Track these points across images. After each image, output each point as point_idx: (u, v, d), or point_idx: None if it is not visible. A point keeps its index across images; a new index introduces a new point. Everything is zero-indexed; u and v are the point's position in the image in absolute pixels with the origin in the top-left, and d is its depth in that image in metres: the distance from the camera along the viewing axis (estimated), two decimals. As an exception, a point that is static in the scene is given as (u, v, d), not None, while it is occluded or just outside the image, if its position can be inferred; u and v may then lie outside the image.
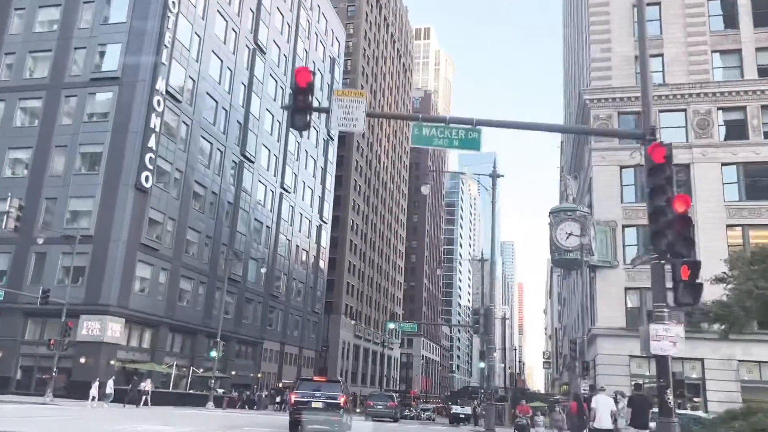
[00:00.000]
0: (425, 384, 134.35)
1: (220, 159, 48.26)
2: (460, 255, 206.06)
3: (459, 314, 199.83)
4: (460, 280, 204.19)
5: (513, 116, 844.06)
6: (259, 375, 54.89)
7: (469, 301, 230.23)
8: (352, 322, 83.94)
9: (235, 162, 50.61)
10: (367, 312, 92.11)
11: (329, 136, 72.61)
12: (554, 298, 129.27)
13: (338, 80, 75.65)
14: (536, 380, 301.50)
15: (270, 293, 57.01)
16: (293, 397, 19.14)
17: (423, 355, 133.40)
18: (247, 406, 45.45)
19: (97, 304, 35.73)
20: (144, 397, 34.08)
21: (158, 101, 39.11)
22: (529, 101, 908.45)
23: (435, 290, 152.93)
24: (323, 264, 72.04)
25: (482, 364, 36.00)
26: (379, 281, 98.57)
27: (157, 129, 39.15)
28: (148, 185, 38.28)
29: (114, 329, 35.97)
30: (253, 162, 53.15)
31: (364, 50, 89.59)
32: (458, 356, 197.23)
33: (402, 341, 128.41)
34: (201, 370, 44.60)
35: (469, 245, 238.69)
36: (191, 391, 41.76)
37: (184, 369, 44.08)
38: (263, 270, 38.56)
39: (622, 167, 31.23)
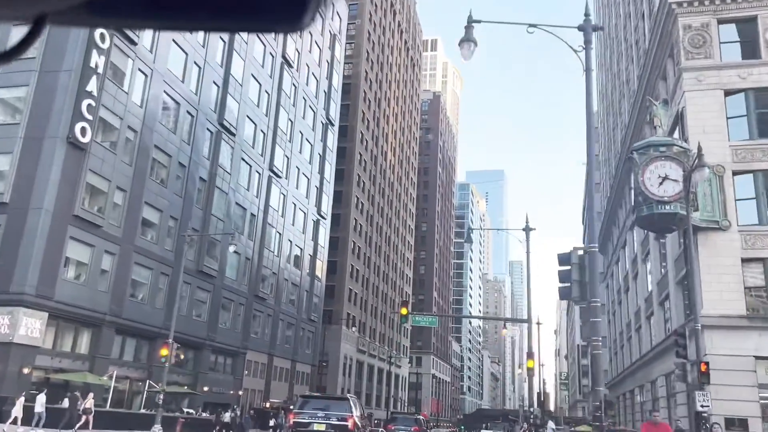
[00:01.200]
0: (436, 406, 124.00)
1: (190, 125, 39.44)
2: (471, 270, 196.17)
3: (470, 332, 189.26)
4: (470, 296, 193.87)
5: (524, 119, 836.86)
6: (240, 392, 45.47)
7: (479, 324, 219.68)
8: (356, 334, 74.45)
9: (210, 132, 41.77)
10: (372, 324, 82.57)
11: (328, 119, 63.86)
12: (574, 313, 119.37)
13: (339, 59, 67.16)
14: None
15: (255, 294, 47.84)
16: (292, 419, 16.88)
17: (433, 374, 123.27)
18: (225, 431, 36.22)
19: (7, 292, 26.68)
20: (84, 418, 25.25)
21: (102, 35, 30.42)
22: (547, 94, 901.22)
23: (445, 305, 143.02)
24: (321, 265, 62.83)
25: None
26: (385, 290, 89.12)
27: (100, 70, 30.43)
28: (85, 140, 29.42)
29: (31, 326, 26.84)
30: (234, 135, 44.33)
31: (369, 34, 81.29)
32: (469, 377, 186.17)
33: (411, 359, 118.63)
34: (160, 384, 35.33)
35: (480, 260, 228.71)
36: (143, 411, 32.37)
37: (139, 383, 34.83)
38: (232, 249, 29.34)
39: (727, 92, 22.18)
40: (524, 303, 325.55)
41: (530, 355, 24.35)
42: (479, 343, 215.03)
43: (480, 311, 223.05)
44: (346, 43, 74.09)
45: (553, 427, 19.44)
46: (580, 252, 10.91)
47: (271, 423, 41.04)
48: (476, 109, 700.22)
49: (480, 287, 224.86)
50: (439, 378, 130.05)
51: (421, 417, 38.69)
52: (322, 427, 16.01)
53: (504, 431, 32.18)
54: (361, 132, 76.95)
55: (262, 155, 49.13)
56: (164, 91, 36.48)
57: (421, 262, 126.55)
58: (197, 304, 40.47)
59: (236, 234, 36.07)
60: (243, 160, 46.07)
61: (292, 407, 54.00)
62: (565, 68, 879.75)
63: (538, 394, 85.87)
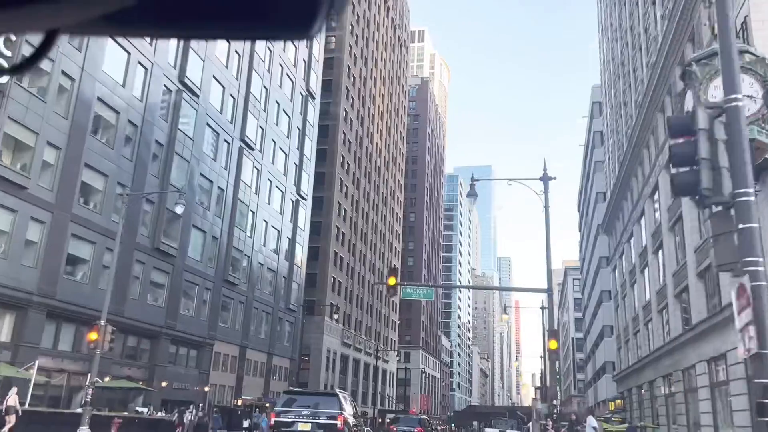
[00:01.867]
0: (425, 403, 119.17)
1: (144, 79, 34.07)
2: (460, 264, 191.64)
3: (459, 327, 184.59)
4: (460, 290, 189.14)
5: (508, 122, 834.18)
6: (207, 388, 40.19)
7: (468, 320, 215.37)
8: (340, 326, 69.30)
9: (168, 88, 36.41)
10: (358, 316, 77.47)
11: (308, 91, 58.60)
12: (569, 306, 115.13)
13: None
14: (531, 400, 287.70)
15: (225, 279, 42.56)
16: (273, 418, 15.15)
17: (422, 370, 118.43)
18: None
19: None
20: (8, 418, 20.22)
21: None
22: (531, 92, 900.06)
23: (435, 299, 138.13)
24: (302, 251, 57.61)
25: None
26: (371, 280, 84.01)
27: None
28: (0, 80, 24.08)
29: (-74, 306, 21.50)
30: (197, 95, 39.00)
31: (353, 6, 76.03)
32: (458, 373, 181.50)
33: (399, 354, 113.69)
34: (108, 378, 30.06)
35: (469, 254, 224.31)
36: (78, 410, 27.00)
37: (80, 377, 29.51)
38: (180, 209, 23.87)
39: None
40: (512, 299, 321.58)
41: (553, 334, 19.39)
42: (469, 339, 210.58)
43: (469, 305, 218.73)
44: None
45: (595, 425, 14.75)
46: (711, 111, 6.01)
47: (246, 423, 35.93)
48: (463, 104, 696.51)
49: (469, 281, 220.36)
50: (429, 374, 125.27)
51: (425, 417, 35.99)
52: (308, 428, 14.35)
53: (514, 429, 27.31)
54: (345, 110, 71.74)
55: (231, 123, 43.82)
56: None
57: (410, 254, 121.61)
58: (153, 287, 35.17)
59: (184, 192, 30.70)
60: (209, 126, 40.73)
61: (267, 405, 49.09)
62: (554, 61, 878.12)
63: (539, 387, 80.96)
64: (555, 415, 18.83)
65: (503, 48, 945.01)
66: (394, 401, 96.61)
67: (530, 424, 27.87)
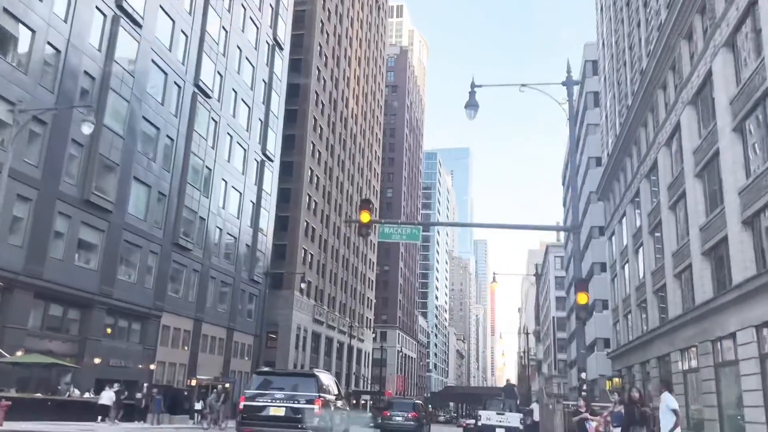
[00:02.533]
0: (402, 384, 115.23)
1: (68, -4, 28.34)
2: (438, 243, 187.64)
3: (436, 308, 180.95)
4: (437, 270, 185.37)
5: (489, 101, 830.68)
6: (153, 366, 34.95)
7: (446, 300, 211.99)
8: (311, 302, 64.30)
9: (102, 12, 30.64)
10: (332, 292, 72.51)
11: (275, 40, 52.91)
12: (550, 284, 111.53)
13: (290, -28, 56.08)
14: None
15: (175, 242, 37.16)
16: (242, 402, 13.54)
17: (399, 350, 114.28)
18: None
19: None
20: None
21: None
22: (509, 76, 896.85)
23: (412, 277, 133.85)
24: (268, 217, 52.31)
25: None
26: (346, 255, 79.04)
27: None
28: None
29: None
30: (140, 26, 33.28)
31: (327, -43, 70.12)
32: (435, 354, 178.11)
33: (375, 334, 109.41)
34: (20, 352, 24.74)
35: (447, 234, 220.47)
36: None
37: (-18, 351, 24.13)
38: (86, 130, 18.30)
39: None
40: (487, 281, 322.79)
41: (581, 286, 14.60)
42: (446, 320, 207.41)
43: (447, 287, 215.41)
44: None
45: (675, 406, 10.27)
46: None
47: (198, 405, 30.87)
48: (441, 86, 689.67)
49: (447, 262, 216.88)
50: (405, 354, 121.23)
51: (419, 402, 33.95)
52: (281, 412, 13.04)
53: (513, 412, 22.68)
54: (318, 68, 66.12)
55: (183, 64, 38.13)
56: (19, -67, 25.28)
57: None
58: (84, 247, 29.70)
59: (91, 107, 24.90)
60: (155, 63, 35.04)
61: (227, 385, 44.05)
62: (537, 43, 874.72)
63: (532, 361, 76.50)
64: (584, 393, 14.07)
65: (484, 32, 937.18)
66: (370, 382, 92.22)
67: (533, 406, 23.37)
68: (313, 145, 64.88)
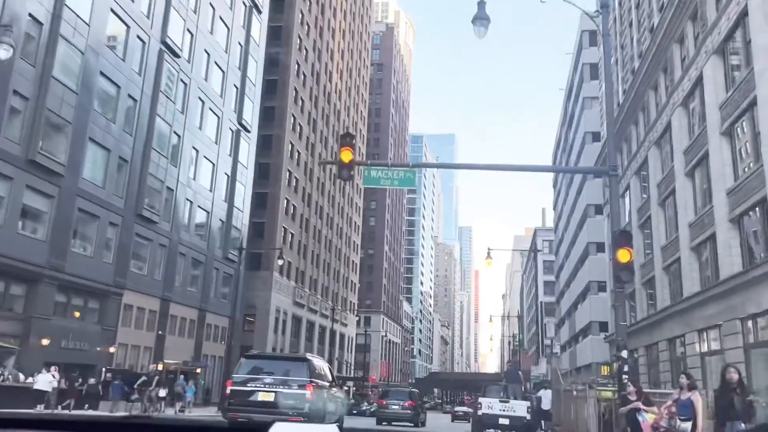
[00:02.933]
0: (386, 370, 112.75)
1: (9, -73, 24.69)
2: (423, 228, 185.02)
3: (421, 293, 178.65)
4: (422, 255, 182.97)
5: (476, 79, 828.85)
6: (113, 348, 31.70)
7: (431, 287, 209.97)
8: (291, 283, 61.15)
9: (49, -51, 27.03)
10: (313, 274, 69.38)
11: (253, 1, 49.24)
12: (538, 269, 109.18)
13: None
14: (489, 367, 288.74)
15: (138, 213, 33.79)
16: (229, 387, 13.18)
17: (383, 336, 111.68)
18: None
19: None
20: None
21: None
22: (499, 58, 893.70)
23: (397, 262, 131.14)
24: (245, 192, 48.96)
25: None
26: (329, 237, 75.88)
27: None
28: None
29: None
30: (96, -31, 29.65)
31: None
32: (420, 340, 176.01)
33: (359, 319, 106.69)
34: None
35: (432, 219, 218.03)
36: None
37: None
38: (3, 55, 15.05)
39: None
40: (472, 268, 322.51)
41: (622, 241, 11.66)
42: (430, 305, 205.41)
43: (432, 272, 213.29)
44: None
45: None
46: None
47: (162, 393, 27.71)
48: (426, 73, 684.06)
49: (432, 247, 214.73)
50: (390, 340, 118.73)
51: (415, 390, 33.84)
52: (271, 398, 12.39)
53: (518, 399, 19.73)
54: (300, 37, 62.48)
55: (148, 17, 34.52)
56: None
57: (371, 213, 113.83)
58: (29, 214, 26.30)
59: (9, 29, 21.56)
60: (114, 13, 31.43)
61: (198, 370, 40.91)
62: (520, 27, 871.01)
63: (514, 350, 74.01)
64: (626, 376, 11.14)
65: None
66: (353, 368, 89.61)
67: (541, 393, 20.43)
68: (294, 119, 61.43)
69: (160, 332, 36.38)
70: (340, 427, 1.61)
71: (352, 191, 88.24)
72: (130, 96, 32.88)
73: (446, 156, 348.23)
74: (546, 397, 20.09)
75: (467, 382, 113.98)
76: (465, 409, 69.49)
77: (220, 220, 44.28)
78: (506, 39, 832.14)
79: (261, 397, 12.76)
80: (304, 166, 64.99)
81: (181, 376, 32.25)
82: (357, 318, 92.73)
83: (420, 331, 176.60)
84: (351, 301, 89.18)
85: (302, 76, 63.73)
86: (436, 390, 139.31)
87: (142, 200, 33.83)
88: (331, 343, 76.77)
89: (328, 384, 14.70)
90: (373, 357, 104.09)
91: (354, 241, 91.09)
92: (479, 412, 17.74)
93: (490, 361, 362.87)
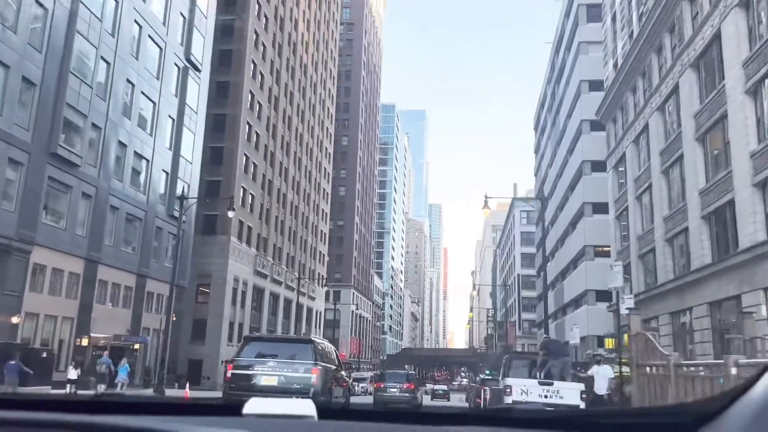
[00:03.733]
0: (356, 347, 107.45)
1: None
2: (394, 201, 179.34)
3: (392, 268, 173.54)
4: (394, 229, 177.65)
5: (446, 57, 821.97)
6: (17, 318, 25.19)
7: (402, 262, 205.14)
8: (252, 251, 54.88)
9: None
10: (278, 242, 63.13)
11: None
12: (515, 243, 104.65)
13: None
14: (457, 344, 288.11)
15: (53, 152, 27.11)
16: (230, 370, 12.58)
17: (354, 311, 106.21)
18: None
19: None
20: None
21: None
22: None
23: (368, 235, 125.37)
24: (194, 141, 42.33)
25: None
26: (295, 202, 69.53)
27: None
28: None
29: None
30: None
31: None
32: (390, 316, 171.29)
33: (328, 294, 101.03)
34: None
35: (404, 192, 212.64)
36: None
37: None
38: None
39: None
40: (441, 246, 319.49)
41: None
42: (401, 281, 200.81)
43: (402, 247, 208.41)
44: None
45: None
46: None
47: (74, 374, 21.53)
48: (395, 48, 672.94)
49: (403, 222, 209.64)
50: (361, 315, 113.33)
51: (412, 372, 33.18)
52: (274, 382, 11.94)
53: (567, 377, 14.24)
54: (260, -25, 55.36)
55: None
56: None
57: (341, 182, 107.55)
58: None
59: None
60: None
61: (136, 346, 34.54)
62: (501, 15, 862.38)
63: (505, 322, 68.72)
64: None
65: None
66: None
67: (593, 370, 14.83)
68: (255, 65, 54.58)
69: (85, 300, 29.91)
70: (317, 402, 1.53)
71: (320, 155, 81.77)
72: (38, 3, 25.98)
73: (416, 132, 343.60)
74: (602, 376, 14.46)
75: (441, 358, 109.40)
76: (444, 387, 65.13)
77: (164, 171, 37.66)
78: (474, 14, 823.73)
79: (264, 381, 12.22)
80: (266, 121, 58.32)
81: (105, 353, 26.05)
82: (326, 291, 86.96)
83: (391, 307, 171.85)
84: (319, 274, 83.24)
85: (264, 19, 56.75)
86: (406, 367, 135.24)
87: (57, 136, 27.12)
88: (297, 318, 70.87)
89: (333, 367, 14.16)
90: (343, 333, 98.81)
91: (323, 210, 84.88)
92: (507, 399, 12.12)
93: (457, 338, 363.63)
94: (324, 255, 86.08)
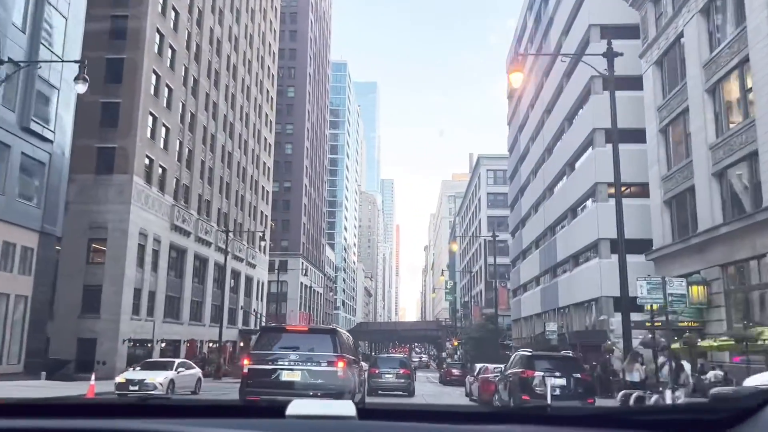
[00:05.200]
0: (306, 322, 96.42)
1: None
2: (347, 168, 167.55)
3: (344, 239, 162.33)
4: (346, 198, 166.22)
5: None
6: None
7: (355, 234, 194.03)
8: (169, 200, 42.85)
9: None
10: (204, 193, 51.11)
11: None
12: (480, 205, 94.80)
13: None
14: (409, 320, 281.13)
15: None
16: (248, 364, 11.79)
17: (303, 283, 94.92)
18: None
19: None
20: None
21: None
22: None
23: (319, 200, 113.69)
24: (66, 28, 29.87)
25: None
26: (229, 148, 57.39)
27: None
28: None
29: None
30: None
31: None
32: (343, 290, 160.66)
33: (274, 263, 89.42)
34: None
35: (356, 161, 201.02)
36: None
37: None
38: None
39: None
40: (394, 222, 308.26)
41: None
42: (354, 254, 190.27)
43: (356, 218, 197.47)
44: None
45: None
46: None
47: None
48: (344, 22, 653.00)
49: (356, 192, 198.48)
50: (312, 288, 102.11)
51: (407, 357, 33.02)
52: (297, 377, 11.19)
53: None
54: None
55: None
56: None
57: (287, 138, 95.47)
58: None
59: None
60: None
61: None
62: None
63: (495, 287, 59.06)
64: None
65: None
66: (264, 319, 72.41)
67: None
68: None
69: None
70: (356, 404, 1.59)
71: (261, 98, 69.47)
72: None
73: (368, 105, 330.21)
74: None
75: (401, 332, 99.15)
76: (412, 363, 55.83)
77: (11, 61, 25.22)
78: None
79: (285, 376, 11.39)
80: (185, 36, 45.90)
81: None
82: (271, 261, 75.26)
83: (344, 281, 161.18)
84: (263, 238, 71.53)
85: None
86: (361, 343, 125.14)
87: None
88: (234, 288, 59.21)
89: (353, 358, 13.50)
90: (291, 306, 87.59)
91: (265, 163, 72.88)
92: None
93: (409, 315, 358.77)
94: (267, 217, 74.26)
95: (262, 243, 65.58)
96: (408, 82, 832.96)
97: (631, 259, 31.40)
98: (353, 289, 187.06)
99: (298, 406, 1.50)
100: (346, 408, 1.49)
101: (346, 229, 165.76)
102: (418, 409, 1.68)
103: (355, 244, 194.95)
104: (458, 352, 65.98)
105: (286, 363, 11.46)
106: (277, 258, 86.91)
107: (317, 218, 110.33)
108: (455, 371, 39.83)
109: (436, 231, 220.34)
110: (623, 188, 33.20)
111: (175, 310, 44.39)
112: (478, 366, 25.58)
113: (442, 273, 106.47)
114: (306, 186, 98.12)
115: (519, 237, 63.67)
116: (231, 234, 54.57)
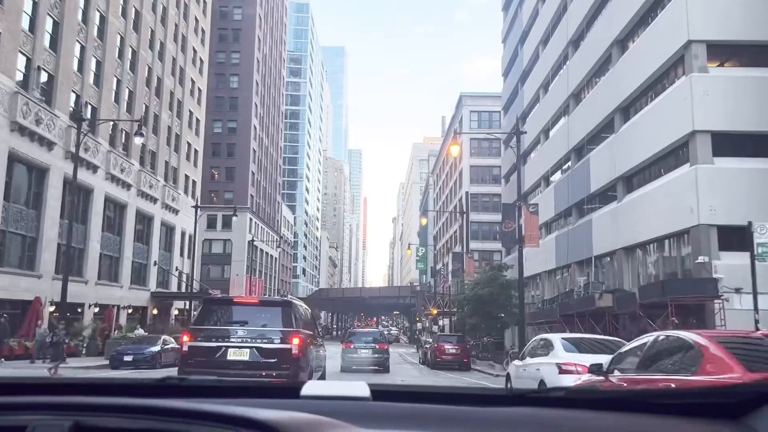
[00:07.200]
0: (256, 289, 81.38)
1: None
2: (309, 123, 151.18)
3: (306, 202, 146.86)
4: (309, 157, 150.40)
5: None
6: None
7: (318, 198, 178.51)
8: (11, 85, 27.34)
9: None
10: (92, 97, 35.49)
11: None
12: (463, 155, 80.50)
13: None
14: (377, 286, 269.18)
15: None
16: (188, 342, 10.23)
17: (252, 242, 79.75)
18: None
19: None
20: None
21: None
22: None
23: (273, 150, 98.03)
24: None
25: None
26: (146, 56, 41.57)
27: None
28: None
29: None
30: None
31: None
32: (305, 257, 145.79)
33: (215, 219, 74.42)
34: None
35: (321, 118, 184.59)
36: None
37: None
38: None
39: None
40: (362, 193, 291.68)
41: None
42: (317, 220, 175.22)
43: (320, 181, 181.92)
44: None
45: None
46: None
47: None
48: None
49: (320, 152, 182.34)
50: (263, 252, 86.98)
51: (383, 330, 32.36)
52: (245, 356, 9.82)
53: None
54: None
55: None
56: None
57: (233, 70, 79.63)
58: None
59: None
60: None
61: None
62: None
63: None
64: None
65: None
66: (197, 284, 57.11)
67: None
68: None
69: None
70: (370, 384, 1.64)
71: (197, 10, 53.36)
72: None
73: (336, 70, 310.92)
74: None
75: (367, 300, 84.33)
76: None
77: None
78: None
79: (232, 355, 10.00)
80: None
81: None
82: (193, 204, 59.47)
83: (305, 247, 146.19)
84: (191, 179, 56.13)
85: None
86: (322, 314, 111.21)
87: None
88: (142, 236, 44.04)
89: (311, 333, 11.88)
90: (236, 270, 72.76)
91: (198, 87, 57.21)
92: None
93: (377, 280, 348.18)
94: (198, 151, 58.71)
95: (192, 199, 49.70)
96: (378, 46, 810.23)
97: (746, 164, 17.65)
98: (316, 257, 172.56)
99: (312, 387, 1.53)
100: (360, 389, 1.51)
101: (308, 190, 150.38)
102: (433, 390, 1.66)
103: (318, 209, 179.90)
104: (439, 323, 52.26)
105: (233, 340, 10.12)
106: (220, 212, 71.94)
107: (271, 170, 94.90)
108: (449, 347, 26.08)
109: (406, 199, 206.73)
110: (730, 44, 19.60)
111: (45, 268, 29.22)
112: (539, 340, 11.54)
113: (409, 246, 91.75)
114: (256, 128, 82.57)
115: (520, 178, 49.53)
116: (144, 167, 39.00)
